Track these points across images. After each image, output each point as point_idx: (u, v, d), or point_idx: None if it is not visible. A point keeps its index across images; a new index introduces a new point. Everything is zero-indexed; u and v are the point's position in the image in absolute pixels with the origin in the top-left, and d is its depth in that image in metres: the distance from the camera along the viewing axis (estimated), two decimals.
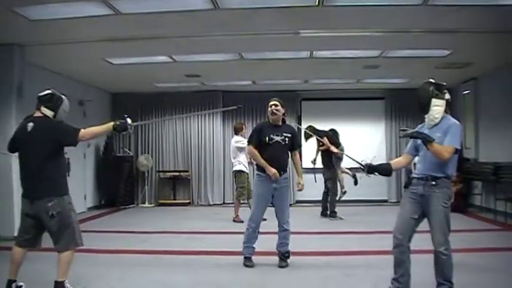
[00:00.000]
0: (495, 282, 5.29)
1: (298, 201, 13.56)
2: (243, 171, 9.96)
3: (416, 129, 4.43)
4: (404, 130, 4.49)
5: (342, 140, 10.67)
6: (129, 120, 4.71)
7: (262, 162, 6.03)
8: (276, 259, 6.25)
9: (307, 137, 10.26)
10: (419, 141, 4.40)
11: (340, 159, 10.33)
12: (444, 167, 4.26)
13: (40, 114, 4.70)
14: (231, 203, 12.12)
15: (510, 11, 6.64)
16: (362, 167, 4.69)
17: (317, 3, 6.38)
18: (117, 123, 4.66)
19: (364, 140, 12.97)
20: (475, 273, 5.59)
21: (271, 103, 6.22)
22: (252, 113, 13.63)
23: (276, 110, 6.16)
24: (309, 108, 13.84)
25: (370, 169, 4.65)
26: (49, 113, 4.69)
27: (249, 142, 6.34)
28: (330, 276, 5.62)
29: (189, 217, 11.20)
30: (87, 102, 11.85)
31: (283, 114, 6.26)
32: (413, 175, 4.47)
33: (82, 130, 4.60)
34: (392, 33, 7.84)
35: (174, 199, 13.83)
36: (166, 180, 13.91)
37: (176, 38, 8.03)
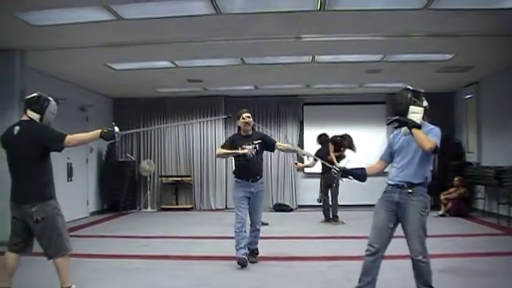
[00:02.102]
0: (497, 286, 5.27)
1: (300, 206, 13.58)
2: None
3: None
4: (389, 119, 4.39)
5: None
6: (116, 129, 4.69)
7: (229, 152, 6.51)
8: (277, 263, 6.32)
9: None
10: (395, 148, 4.37)
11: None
12: (422, 170, 4.19)
13: (26, 118, 4.67)
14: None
15: (511, 15, 6.65)
16: (336, 170, 4.66)
17: (319, 8, 6.38)
18: (105, 131, 4.65)
19: (365, 144, 12.89)
20: (476, 278, 5.58)
21: (244, 115, 6.56)
22: (254, 117, 13.45)
23: (249, 121, 6.55)
24: (311, 113, 13.84)
25: (344, 173, 4.62)
26: (35, 116, 4.65)
27: (222, 147, 6.72)
28: (331, 280, 5.60)
29: (191, 222, 11.18)
30: (89, 107, 11.87)
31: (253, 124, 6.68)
32: (388, 182, 4.37)
33: (68, 136, 4.55)
34: (394, 37, 7.85)
35: (177, 204, 13.82)
36: (169, 185, 13.90)
37: (178, 43, 8.04)
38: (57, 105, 4.90)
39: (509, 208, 9.59)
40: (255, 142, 6.43)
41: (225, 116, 7.62)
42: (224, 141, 7.00)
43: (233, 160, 6.71)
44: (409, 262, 4.21)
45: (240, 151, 6.32)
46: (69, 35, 7.36)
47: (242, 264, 6.19)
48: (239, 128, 6.65)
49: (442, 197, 11.44)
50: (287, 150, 6.58)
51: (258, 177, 6.45)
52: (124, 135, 4.81)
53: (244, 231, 6.37)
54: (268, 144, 6.58)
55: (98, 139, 4.73)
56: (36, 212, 4.47)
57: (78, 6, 6.29)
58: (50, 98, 4.80)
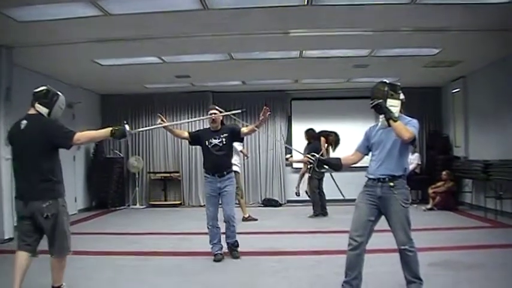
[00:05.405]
0: (486, 278, 5.30)
1: (289, 201, 13.58)
2: (237, 172, 9.94)
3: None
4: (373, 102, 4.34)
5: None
6: (127, 127, 4.60)
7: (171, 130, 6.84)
8: (266, 258, 6.37)
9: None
10: (372, 141, 4.42)
11: None
12: (401, 162, 4.25)
13: (34, 112, 4.49)
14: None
15: (498, 9, 6.68)
16: (311, 160, 4.71)
17: (306, 3, 6.38)
18: (116, 128, 4.53)
19: (353, 139, 12.91)
20: (465, 271, 5.61)
21: (210, 112, 6.55)
22: (242, 113, 13.34)
23: (215, 118, 6.50)
24: (299, 108, 13.85)
25: (319, 162, 4.69)
26: (44, 110, 4.47)
27: (189, 133, 6.89)
28: (319, 275, 5.61)
29: (180, 218, 11.15)
30: (76, 104, 11.76)
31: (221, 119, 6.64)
32: (369, 176, 4.39)
33: (77, 133, 4.41)
34: (381, 32, 7.87)
35: (165, 200, 13.79)
36: (157, 181, 13.86)
37: (165, 38, 8.01)
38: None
39: (496, 201, 9.65)
40: (222, 136, 6.43)
41: (239, 111, 7.35)
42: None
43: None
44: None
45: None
46: (55, 30, 7.30)
47: (217, 260, 6.32)
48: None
49: (430, 190, 11.51)
50: (252, 131, 6.51)
51: (225, 173, 6.41)
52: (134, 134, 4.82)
53: (217, 227, 6.47)
54: (235, 134, 6.53)
55: (108, 137, 4.62)
56: (48, 208, 4.33)
57: (65, 2, 6.23)
58: (59, 93, 4.63)
